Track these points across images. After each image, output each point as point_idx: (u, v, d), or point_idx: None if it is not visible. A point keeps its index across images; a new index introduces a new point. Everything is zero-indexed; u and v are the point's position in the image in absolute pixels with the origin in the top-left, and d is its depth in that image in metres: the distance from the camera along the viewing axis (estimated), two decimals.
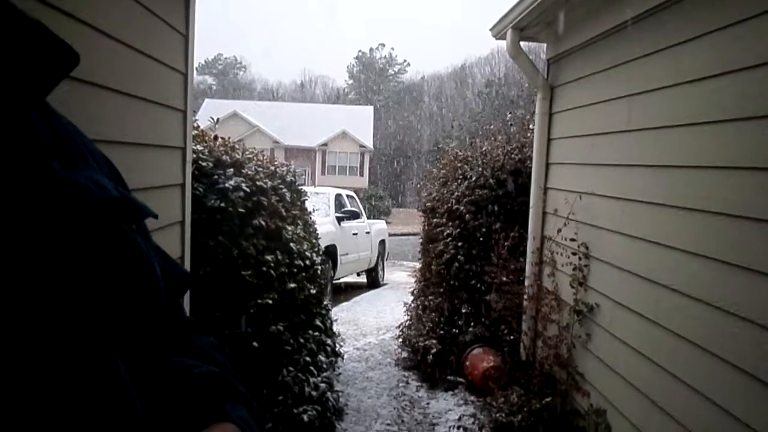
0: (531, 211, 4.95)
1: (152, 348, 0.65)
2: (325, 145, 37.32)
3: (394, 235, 18.03)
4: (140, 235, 0.67)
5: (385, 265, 13.11)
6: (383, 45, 64.25)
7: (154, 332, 0.65)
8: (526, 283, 4.93)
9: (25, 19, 0.59)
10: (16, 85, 0.57)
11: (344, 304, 9.90)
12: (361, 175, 37.54)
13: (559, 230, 4.33)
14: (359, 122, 38.74)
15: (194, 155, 3.68)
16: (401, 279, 12.41)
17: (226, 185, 3.88)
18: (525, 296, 4.90)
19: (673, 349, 2.89)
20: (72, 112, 1.86)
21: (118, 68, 2.42)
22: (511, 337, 5.12)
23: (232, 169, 4.04)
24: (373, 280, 12.25)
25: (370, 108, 43.08)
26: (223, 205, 3.80)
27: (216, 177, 3.91)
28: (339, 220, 10.21)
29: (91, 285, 0.56)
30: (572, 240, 4.11)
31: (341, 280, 10.86)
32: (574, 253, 4.07)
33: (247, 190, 4.00)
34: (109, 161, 0.74)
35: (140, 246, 0.66)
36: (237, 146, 4.58)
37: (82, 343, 0.53)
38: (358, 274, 11.94)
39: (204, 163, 3.89)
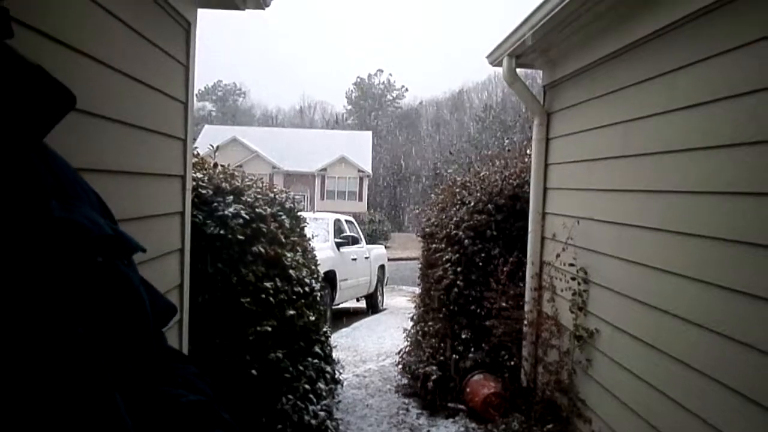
0: (529, 236, 4.97)
1: (142, 378, 0.66)
2: (324, 170, 37.44)
3: (393, 259, 17.99)
4: (130, 268, 0.69)
5: (384, 290, 13.07)
6: (381, 71, 64.74)
7: (144, 363, 0.67)
8: (526, 308, 4.92)
9: (26, 64, 0.61)
10: (19, 129, 0.59)
11: (344, 329, 9.85)
12: (360, 199, 37.58)
13: (558, 255, 4.33)
14: (358, 147, 38.91)
15: (194, 183, 3.70)
16: (401, 304, 12.36)
17: (226, 212, 3.89)
18: (525, 321, 4.89)
19: (674, 374, 2.88)
20: (74, 143, 1.89)
21: (119, 99, 2.45)
22: (512, 363, 5.09)
23: (231, 197, 4.06)
24: (373, 306, 12.20)
25: (369, 133, 43.32)
26: (222, 232, 3.81)
27: (215, 204, 3.93)
28: (338, 245, 10.21)
29: (87, 319, 0.58)
30: (571, 265, 4.11)
31: (341, 306, 10.82)
32: (573, 278, 4.07)
33: (247, 217, 4.01)
34: (97, 195, 0.76)
35: (132, 281, 0.68)
36: (236, 173, 4.61)
37: (82, 375, 0.55)
38: (358, 300, 11.90)
39: (203, 191, 3.91)
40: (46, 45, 1.80)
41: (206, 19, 3.63)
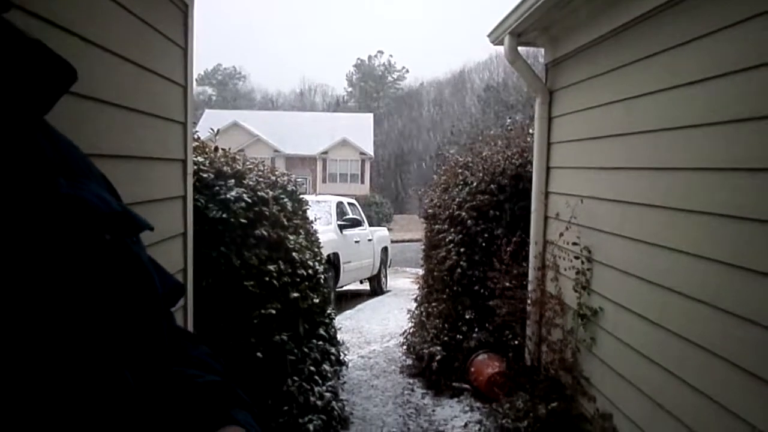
0: (532, 215, 4.95)
1: (155, 357, 0.66)
2: (325, 153, 37.34)
3: (396, 241, 18.02)
4: (138, 246, 0.69)
5: (387, 272, 13.09)
6: (381, 52, 64.27)
7: (156, 342, 0.67)
8: (530, 287, 4.93)
9: (24, 39, 0.60)
10: (21, 105, 0.58)
11: (348, 311, 9.88)
12: (362, 182, 37.52)
13: (561, 234, 4.32)
14: (359, 130, 38.76)
15: (195, 167, 3.69)
16: (404, 285, 12.40)
17: (228, 196, 3.89)
18: (528, 301, 4.90)
19: (678, 351, 2.89)
20: (74, 127, 1.88)
21: (118, 83, 2.44)
22: (516, 343, 5.11)
23: (233, 180, 4.05)
24: (376, 288, 12.24)
25: (370, 115, 43.11)
26: (224, 216, 3.81)
27: (217, 188, 3.92)
28: (341, 228, 10.21)
29: (96, 297, 0.57)
30: (574, 244, 4.11)
31: (344, 288, 10.85)
32: (576, 257, 4.07)
33: (249, 200, 4.01)
34: (103, 175, 0.75)
35: (141, 258, 0.67)
36: (238, 157, 4.60)
37: (90, 353, 0.54)
38: (361, 282, 11.93)
39: (205, 175, 3.90)
40: (46, 29, 1.78)
41: (205, 2, 3.59)
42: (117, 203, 0.66)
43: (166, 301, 0.79)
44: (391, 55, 65.09)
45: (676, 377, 2.89)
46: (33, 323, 0.51)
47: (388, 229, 16.04)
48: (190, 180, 3.40)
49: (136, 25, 2.62)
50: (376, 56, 63.87)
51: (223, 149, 4.46)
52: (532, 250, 4.95)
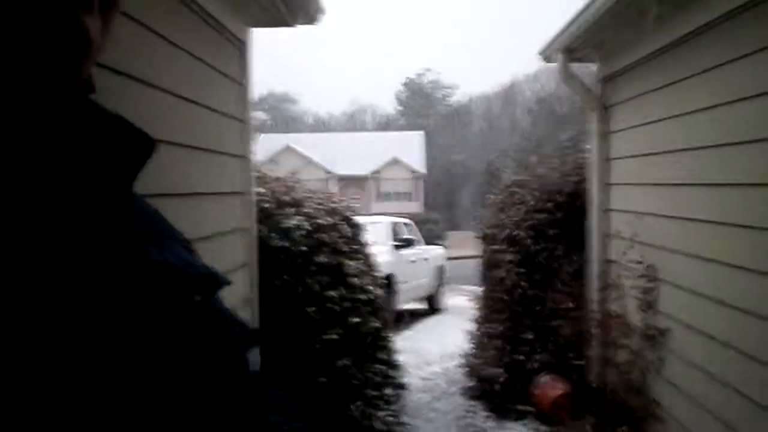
0: (593, 233, 4.87)
1: (243, 407, 0.69)
2: (377, 172, 37.57)
3: (451, 258, 17.89)
4: (219, 302, 0.73)
5: (444, 290, 13.01)
6: (429, 69, 64.38)
7: (242, 392, 0.70)
8: (592, 307, 4.83)
9: (108, 116, 0.64)
10: (111, 179, 0.63)
11: (406, 332, 9.86)
12: (415, 200, 37.55)
13: (624, 252, 4.23)
14: (410, 148, 38.88)
15: (257, 197, 3.79)
16: (461, 304, 12.25)
17: (288, 225, 3.98)
18: (592, 321, 4.79)
19: (753, 374, 2.77)
20: (145, 170, 1.97)
21: (184, 124, 2.55)
22: (579, 364, 5.00)
23: (293, 209, 4.15)
24: (433, 307, 12.17)
25: (421, 133, 43.16)
26: (286, 244, 3.90)
27: (278, 217, 4.02)
28: (396, 248, 10.24)
29: (191, 356, 0.61)
30: (638, 262, 4.01)
31: (401, 308, 10.84)
32: (640, 276, 3.97)
33: (309, 228, 4.09)
34: (182, 235, 0.80)
35: (226, 315, 0.71)
36: (296, 185, 4.70)
37: (192, 410, 0.58)
38: (418, 301, 11.90)
39: (266, 205, 4.01)
40: (113, 78, 1.89)
41: (255, 32, 3.73)
42: (201, 265, 0.71)
43: (246, 348, 0.83)
44: (439, 72, 65.20)
45: (751, 401, 2.77)
46: (141, 388, 0.55)
47: (444, 247, 15.96)
48: (254, 211, 3.51)
49: (198, 68, 2.74)
50: (423, 74, 64.10)
51: (281, 179, 4.57)
52: (594, 269, 4.85)
